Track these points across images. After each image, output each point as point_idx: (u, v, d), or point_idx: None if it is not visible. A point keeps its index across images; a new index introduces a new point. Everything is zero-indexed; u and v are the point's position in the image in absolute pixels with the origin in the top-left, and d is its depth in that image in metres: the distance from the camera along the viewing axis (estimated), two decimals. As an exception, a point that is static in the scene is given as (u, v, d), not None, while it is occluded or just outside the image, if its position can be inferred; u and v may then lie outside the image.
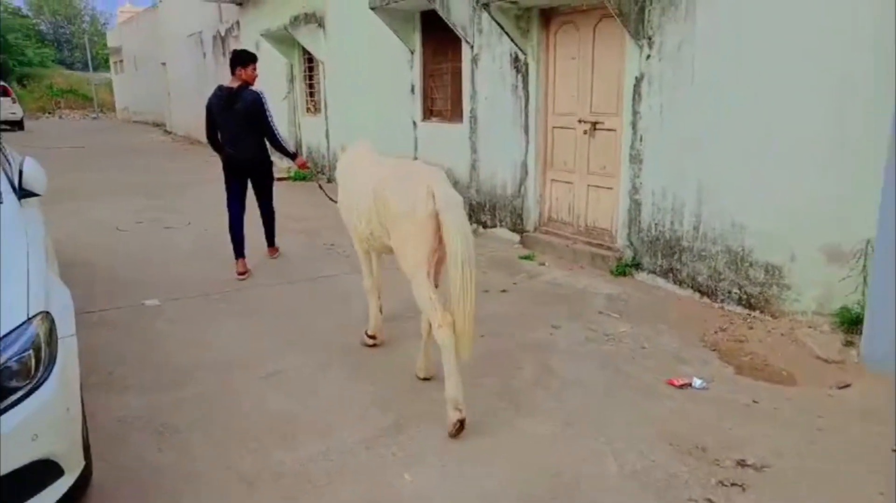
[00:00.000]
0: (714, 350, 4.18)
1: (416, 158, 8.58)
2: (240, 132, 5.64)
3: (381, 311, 4.25)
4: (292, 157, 6.10)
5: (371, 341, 4.20)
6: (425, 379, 3.71)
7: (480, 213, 7.45)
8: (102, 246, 6.77)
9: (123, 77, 32.20)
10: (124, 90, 32.84)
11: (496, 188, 7.14)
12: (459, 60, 7.46)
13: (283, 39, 11.56)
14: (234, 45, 15.04)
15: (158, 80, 23.75)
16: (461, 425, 3.10)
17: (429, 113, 8.35)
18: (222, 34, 15.74)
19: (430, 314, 3.21)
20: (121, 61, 31.77)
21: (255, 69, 5.78)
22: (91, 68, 41.14)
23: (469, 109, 7.37)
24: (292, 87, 12.10)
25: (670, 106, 5.04)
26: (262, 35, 11.51)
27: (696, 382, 3.67)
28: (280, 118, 12.58)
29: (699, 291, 5.02)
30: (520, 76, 6.54)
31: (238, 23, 14.60)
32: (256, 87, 5.84)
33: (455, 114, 7.80)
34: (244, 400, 3.47)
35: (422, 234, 3.15)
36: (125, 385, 3.63)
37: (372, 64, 9.36)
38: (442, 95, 8.08)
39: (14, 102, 23.88)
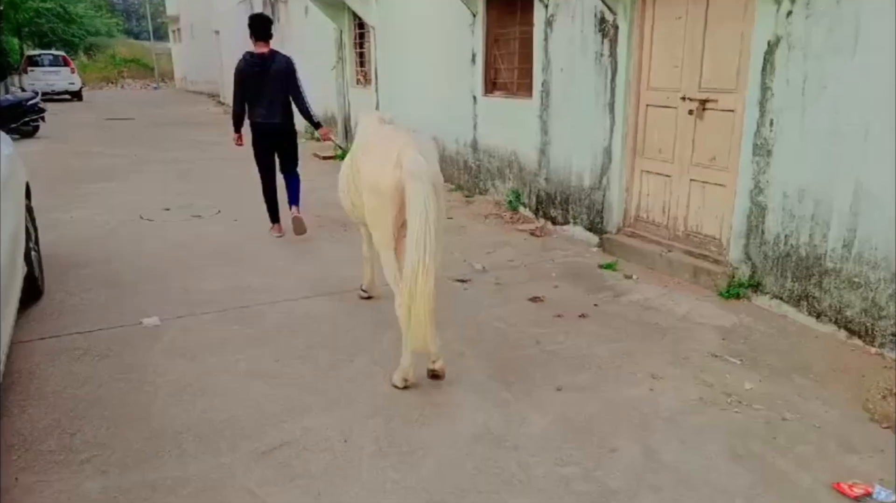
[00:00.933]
0: (888, 427, 2.98)
1: (475, 139, 7.47)
2: (273, 97, 5.66)
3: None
4: (316, 126, 6.06)
5: (364, 294, 4.46)
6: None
7: (550, 206, 6.31)
8: (118, 239, 5.97)
9: (181, 46, 31.99)
10: (182, 59, 32.68)
11: (570, 177, 5.97)
12: (530, 23, 6.26)
13: (333, 3, 10.53)
14: (283, 11, 14.13)
15: (213, 49, 23.19)
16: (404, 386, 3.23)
17: (491, 86, 7.19)
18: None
19: (394, 289, 3.18)
20: (179, 30, 31.54)
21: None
22: (153, 38, 41.27)
23: (540, 82, 6.19)
24: (342, 55, 11.09)
25: (819, 81, 3.75)
26: (309, -2, 10.53)
27: (880, 493, 2.51)
28: (328, 90, 11.63)
29: (847, 329, 3.78)
30: (606, 41, 5.31)
31: (288, -14, 13.66)
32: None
33: (523, 87, 6.62)
34: (228, 498, 2.52)
35: (386, 206, 3.07)
36: (85, 457, 2.74)
37: (427, 29, 8.23)
38: (508, 65, 6.91)
39: (73, 73, 23.84)
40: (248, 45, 5.79)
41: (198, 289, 4.65)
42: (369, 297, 4.47)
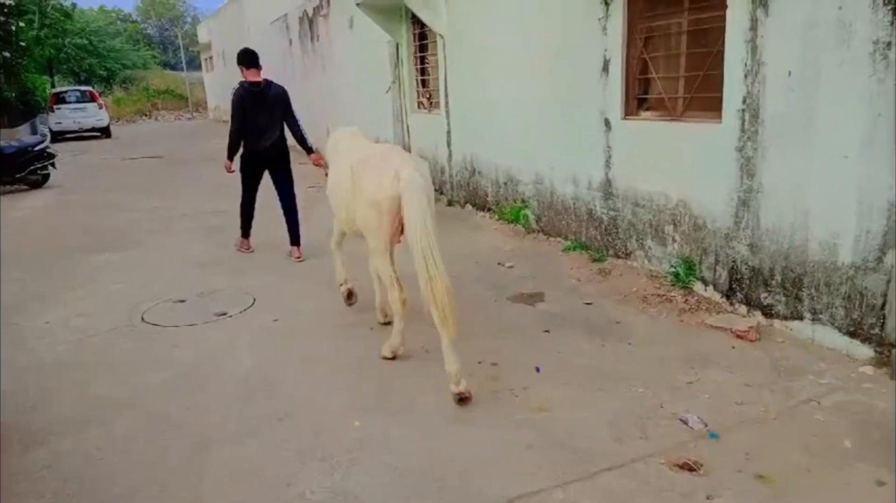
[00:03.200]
0: None
1: (608, 180, 5.27)
2: (269, 123, 5.89)
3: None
4: (308, 151, 6.12)
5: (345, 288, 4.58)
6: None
7: (760, 288, 4.03)
8: (102, 369, 3.89)
9: (214, 75, 30.65)
10: (215, 88, 31.29)
11: (806, 244, 3.70)
12: (718, 6, 4.05)
13: (387, 10, 8.51)
14: (322, 26, 12.25)
15: (246, 76, 21.54)
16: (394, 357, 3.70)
17: (636, 105, 4.98)
18: (309, 14, 12.95)
19: (389, 288, 3.57)
20: (210, 58, 30.23)
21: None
22: (186, 68, 40.35)
23: (739, 97, 3.95)
24: (398, 74, 9.04)
25: None
26: (358, 4, 8.48)
27: None
28: (381, 117, 9.60)
29: None
30: (905, 22, 3.06)
31: (328, -2, 11.75)
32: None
33: (700, 105, 4.39)
34: None
35: (385, 215, 3.40)
36: None
37: (526, 31, 6.10)
38: (668, 72, 4.69)
39: (101, 108, 22.44)
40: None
41: (212, 514, 2.52)
42: (388, 323, 4.14)
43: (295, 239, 6.14)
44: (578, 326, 4.19)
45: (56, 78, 33.03)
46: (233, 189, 10.20)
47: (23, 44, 20.79)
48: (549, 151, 5.99)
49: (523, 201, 6.53)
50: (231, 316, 4.68)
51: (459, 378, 3.20)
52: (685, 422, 3.02)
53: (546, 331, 4.14)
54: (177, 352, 4.08)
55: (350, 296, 4.57)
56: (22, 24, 21.56)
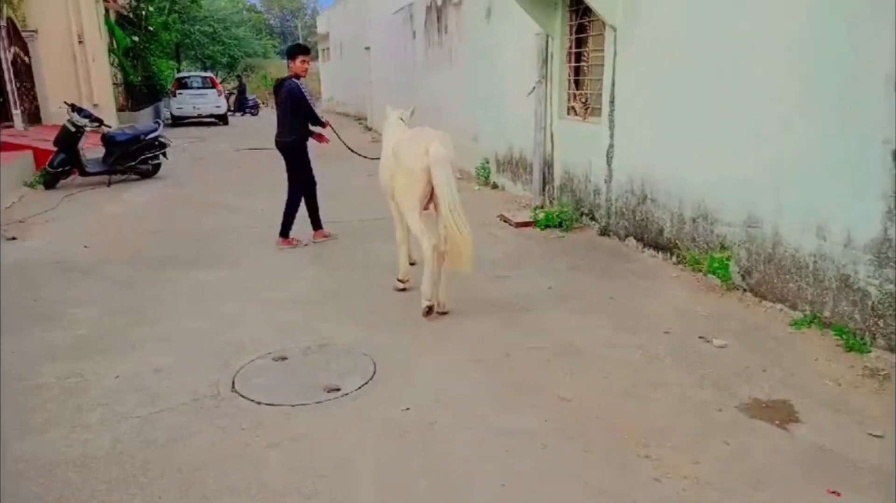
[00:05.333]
0: None
1: (886, 239, 3.60)
2: (282, 117, 6.31)
3: (410, 263, 5.11)
4: (321, 125, 6.53)
5: (401, 285, 5.00)
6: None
7: None
8: (167, 486, 2.77)
9: (329, 65, 30.44)
10: (330, 79, 31.16)
11: None
12: None
13: (540, -3, 7.10)
14: (454, 15, 11.01)
15: (362, 68, 20.82)
16: (430, 310, 4.35)
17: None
18: (438, 3, 11.75)
19: (420, 238, 4.31)
20: (327, 49, 30.02)
21: (304, 61, 6.25)
22: (303, 58, 40.71)
23: None
24: (546, 72, 7.59)
25: None
26: (506, -10, 7.15)
27: None
28: (521, 122, 8.21)
29: None
30: None
31: (462, -16, 10.48)
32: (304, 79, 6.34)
33: None
34: None
35: (417, 182, 4.25)
36: None
37: (754, 18, 4.52)
38: None
39: (219, 95, 22.50)
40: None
41: None
42: (405, 289, 4.95)
43: (284, 229, 6.46)
44: (881, 487, 2.63)
45: (184, 63, 34.05)
46: (351, 194, 9.19)
47: (151, 28, 21.03)
48: (774, 185, 4.38)
49: (723, 246, 4.94)
50: (347, 394, 3.45)
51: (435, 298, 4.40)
52: None
53: (834, 492, 2.61)
54: (272, 459, 2.87)
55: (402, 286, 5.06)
56: (152, 9, 21.85)
